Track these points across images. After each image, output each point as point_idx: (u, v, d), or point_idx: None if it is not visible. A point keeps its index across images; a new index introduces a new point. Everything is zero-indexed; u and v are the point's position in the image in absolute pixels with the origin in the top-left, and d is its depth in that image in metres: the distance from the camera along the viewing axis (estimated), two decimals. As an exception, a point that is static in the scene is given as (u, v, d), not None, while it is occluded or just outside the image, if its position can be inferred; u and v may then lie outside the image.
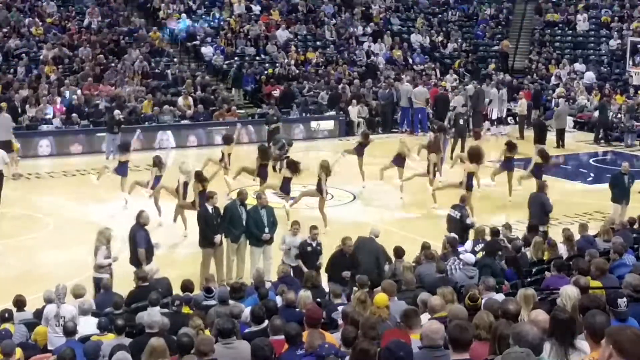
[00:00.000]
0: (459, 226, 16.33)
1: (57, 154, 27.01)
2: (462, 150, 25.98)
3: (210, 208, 15.70)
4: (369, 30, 38.77)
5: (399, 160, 22.03)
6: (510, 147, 21.93)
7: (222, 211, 15.84)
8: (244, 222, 15.74)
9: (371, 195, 22.42)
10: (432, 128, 26.78)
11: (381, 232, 15.09)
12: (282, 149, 24.28)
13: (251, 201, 16.67)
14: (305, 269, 14.01)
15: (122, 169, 20.98)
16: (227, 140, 22.47)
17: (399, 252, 13.88)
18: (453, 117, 28.77)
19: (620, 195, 19.09)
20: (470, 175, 19.69)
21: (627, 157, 27.04)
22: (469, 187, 19.44)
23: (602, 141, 30.93)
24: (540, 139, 26.18)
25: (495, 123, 32.61)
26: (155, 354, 7.81)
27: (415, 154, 23.00)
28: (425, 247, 14.08)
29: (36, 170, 24.96)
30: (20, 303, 12.09)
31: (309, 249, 14.65)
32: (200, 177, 17.69)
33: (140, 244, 14.56)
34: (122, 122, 26.70)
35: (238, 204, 16.01)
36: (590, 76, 36.52)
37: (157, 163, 19.56)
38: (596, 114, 32.08)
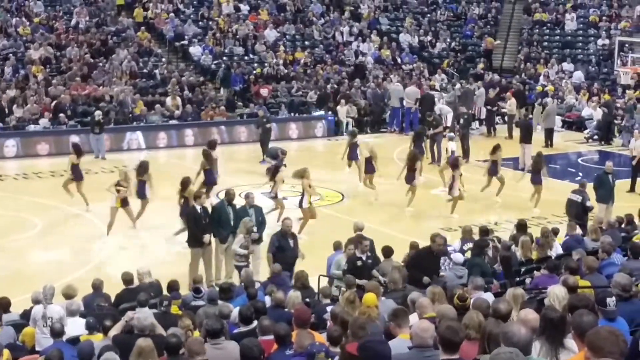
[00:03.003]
0: (580, 209, 17.35)
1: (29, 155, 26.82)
2: (463, 149, 25.97)
3: (198, 208, 15.66)
4: (355, 30, 38.64)
5: (370, 166, 22.04)
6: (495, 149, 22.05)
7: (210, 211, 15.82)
8: (232, 222, 15.70)
9: (359, 194, 22.41)
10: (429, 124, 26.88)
11: (369, 231, 15.05)
12: (276, 158, 24.26)
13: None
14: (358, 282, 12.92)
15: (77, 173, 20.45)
16: (212, 145, 22.18)
17: (388, 252, 13.82)
18: (456, 118, 28.94)
19: (606, 195, 19.10)
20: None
21: (615, 156, 27.06)
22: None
23: (590, 140, 31.01)
24: (526, 138, 26.16)
25: (484, 122, 32.74)
26: (144, 354, 7.78)
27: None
28: (413, 246, 14.05)
29: (23, 171, 24.85)
30: (4, 305, 11.99)
31: (359, 263, 13.33)
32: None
33: (270, 248, 14.67)
34: (102, 122, 26.65)
35: (226, 203, 15.98)
36: (579, 75, 36.58)
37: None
38: (593, 112, 32.12)
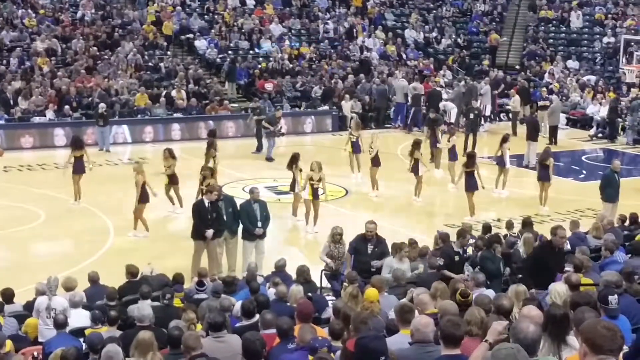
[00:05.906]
0: None
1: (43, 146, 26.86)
2: (473, 145, 25.95)
3: (206, 202, 15.57)
4: (346, 25, 38.41)
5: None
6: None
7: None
8: (224, 217, 15.68)
9: (362, 189, 22.41)
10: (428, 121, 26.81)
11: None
12: (273, 123, 25.04)
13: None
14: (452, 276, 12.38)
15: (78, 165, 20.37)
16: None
17: (398, 248, 13.77)
18: (464, 111, 28.91)
19: (614, 194, 18.95)
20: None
21: (619, 155, 27.05)
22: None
23: (594, 138, 30.95)
24: (532, 135, 26.13)
25: (489, 119, 32.72)
26: (143, 346, 7.81)
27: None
28: (411, 243, 13.99)
29: (28, 162, 24.89)
30: (7, 296, 12.02)
31: (457, 258, 13.24)
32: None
33: (349, 248, 14.34)
34: (106, 115, 26.65)
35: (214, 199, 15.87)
36: (591, 78, 36.20)
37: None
38: (601, 111, 32.02)
